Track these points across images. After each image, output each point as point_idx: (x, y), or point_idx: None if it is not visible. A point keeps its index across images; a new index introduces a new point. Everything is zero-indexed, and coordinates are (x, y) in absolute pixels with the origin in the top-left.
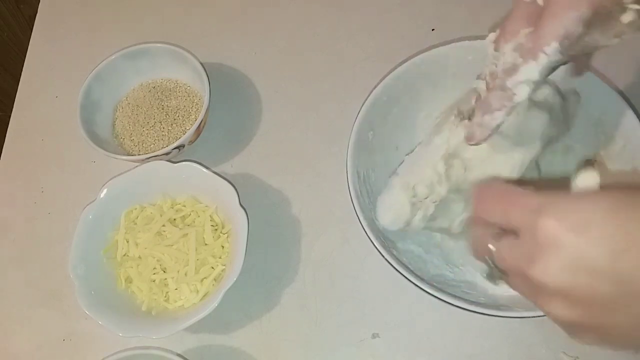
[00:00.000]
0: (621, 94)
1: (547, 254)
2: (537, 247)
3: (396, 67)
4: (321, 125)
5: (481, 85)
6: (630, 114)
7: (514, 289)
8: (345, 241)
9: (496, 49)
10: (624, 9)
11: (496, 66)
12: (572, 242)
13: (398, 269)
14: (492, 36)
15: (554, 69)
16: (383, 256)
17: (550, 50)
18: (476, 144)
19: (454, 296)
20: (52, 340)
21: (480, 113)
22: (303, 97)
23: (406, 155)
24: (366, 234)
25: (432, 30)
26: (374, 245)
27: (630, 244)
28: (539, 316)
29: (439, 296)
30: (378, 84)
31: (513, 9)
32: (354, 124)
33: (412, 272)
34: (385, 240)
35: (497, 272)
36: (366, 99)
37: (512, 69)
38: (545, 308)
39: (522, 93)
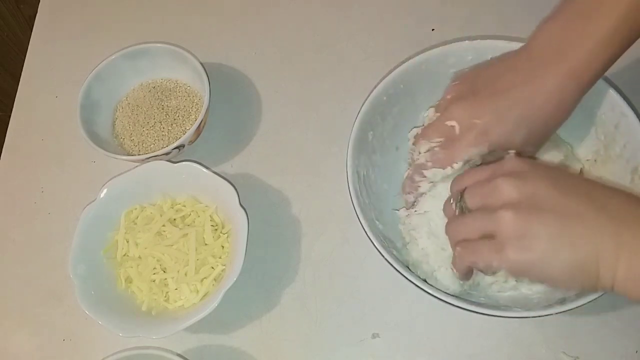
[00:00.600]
0: (621, 94)
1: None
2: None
3: (396, 67)
4: (321, 125)
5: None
6: (630, 114)
7: (472, 223)
8: (345, 241)
9: (414, 144)
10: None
11: (413, 156)
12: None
13: (398, 268)
14: (414, 132)
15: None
16: (383, 256)
17: (457, 166)
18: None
19: (454, 296)
20: (52, 340)
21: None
22: (303, 97)
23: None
24: (366, 234)
25: (432, 30)
26: (374, 245)
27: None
28: (539, 316)
29: (438, 296)
30: (378, 84)
31: (434, 122)
32: (354, 124)
33: (411, 272)
34: (385, 240)
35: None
36: (366, 99)
37: (421, 167)
38: (499, 214)
39: (424, 188)
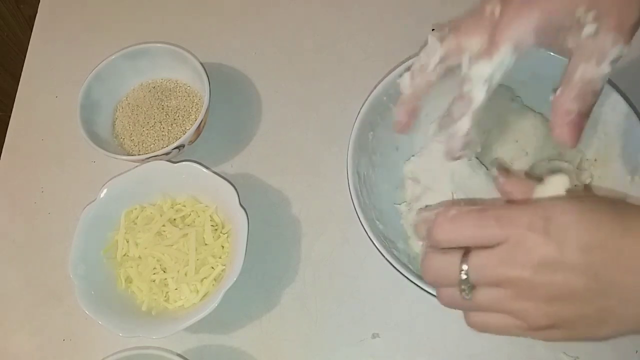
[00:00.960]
0: (621, 94)
1: (530, 254)
2: (519, 250)
3: (396, 67)
4: (321, 125)
5: (404, 80)
6: (630, 114)
7: (484, 302)
8: (345, 241)
9: (440, 40)
10: (580, 24)
11: (429, 58)
12: (549, 245)
13: (398, 268)
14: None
15: (505, 72)
16: (383, 256)
17: (504, 51)
18: (457, 158)
19: None
20: (52, 340)
21: (447, 126)
22: (303, 97)
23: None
24: (367, 234)
25: (432, 30)
26: (374, 245)
27: (598, 242)
28: None
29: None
30: (378, 84)
31: (469, 16)
32: (354, 124)
33: (412, 271)
34: (386, 240)
35: (466, 287)
36: (366, 99)
37: (466, 78)
38: (521, 311)
39: (478, 95)
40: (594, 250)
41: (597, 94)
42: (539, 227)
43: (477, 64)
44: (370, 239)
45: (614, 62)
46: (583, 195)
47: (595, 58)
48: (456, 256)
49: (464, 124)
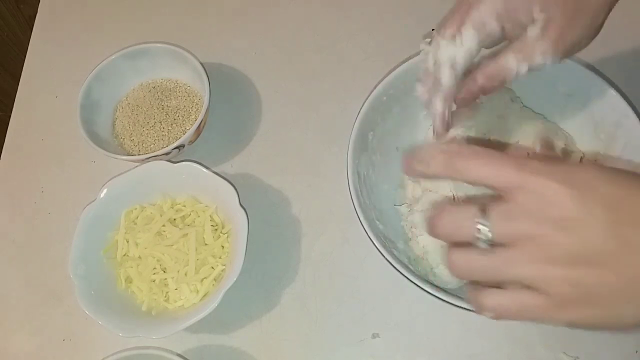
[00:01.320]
0: (622, 93)
1: (552, 206)
2: (541, 202)
3: (396, 67)
4: (321, 125)
5: (419, 89)
6: (630, 114)
7: (500, 264)
8: (345, 241)
9: (431, 43)
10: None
11: (427, 62)
12: (572, 197)
13: (398, 268)
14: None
15: (471, 56)
16: (383, 256)
17: (466, 34)
18: (442, 136)
19: (454, 296)
20: (52, 340)
21: (427, 109)
22: (303, 97)
23: None
24: (367, 234)
25: (432, 30)
26: (375, 245)
27: (624, 198)
28: None
29: (439, 296)
30: (378, 84)
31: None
32: (354, 124)
33: (412, 272)
34: (386, 240)
35: (483, 241)
36: (366, 99)
37: (437, 63)
38: (541, 278)
39: (445, 78)
40: (621, 207)
41: (502, 84)
42: (560, 178)
43: (443, 47)
44: (371, 239)
45: (534, 68)
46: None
47: (522, 56)
48: (473, 208)
49: (437, 106)
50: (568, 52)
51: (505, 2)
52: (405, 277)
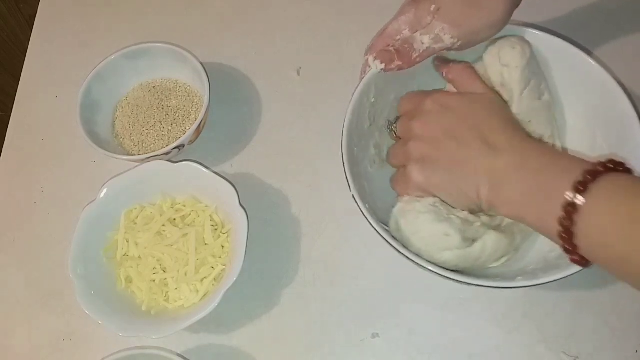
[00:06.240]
0: (625, 92)
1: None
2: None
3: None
4: (321, 125)
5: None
6: (630, 114)
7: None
8: (345, 241)
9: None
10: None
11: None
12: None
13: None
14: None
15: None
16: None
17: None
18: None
19: (453, 271)
20: (52, 340)
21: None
22: (303, 97)
23: None
24: (369, 223)
25: None
26: (378, 233)
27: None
28: (532, 285)
29: (435, 270)
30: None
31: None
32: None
33: (419, 256)
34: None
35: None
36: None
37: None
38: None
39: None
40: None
41: (409, 56)
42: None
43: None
44: (372, 226)
45: (436, 43)
46: None
47: (426, 30)
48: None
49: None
50: (468, 38)
51: (415, 12)
52: (414, 261)
